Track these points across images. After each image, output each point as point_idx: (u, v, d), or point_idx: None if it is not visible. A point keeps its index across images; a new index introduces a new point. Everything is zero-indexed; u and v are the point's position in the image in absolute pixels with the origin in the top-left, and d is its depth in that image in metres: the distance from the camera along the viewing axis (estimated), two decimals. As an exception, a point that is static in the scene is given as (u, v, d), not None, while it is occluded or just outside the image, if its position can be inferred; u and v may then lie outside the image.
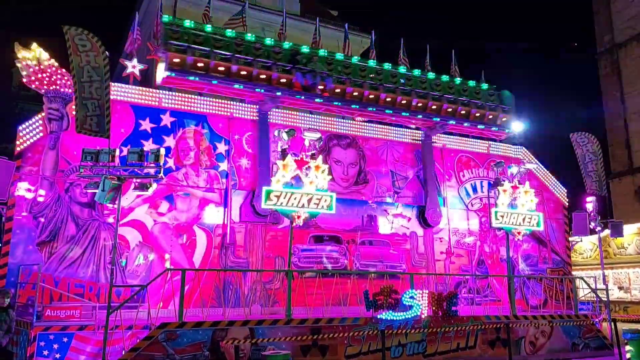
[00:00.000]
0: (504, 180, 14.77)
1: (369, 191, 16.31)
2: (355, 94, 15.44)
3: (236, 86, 13.92)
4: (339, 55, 15.64)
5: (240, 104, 14.82)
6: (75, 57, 9.57)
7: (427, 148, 16.88)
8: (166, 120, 13.84)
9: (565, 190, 18.84)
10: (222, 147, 14.41)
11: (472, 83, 17.28)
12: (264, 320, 11.12)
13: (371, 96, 15.59)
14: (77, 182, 12.26)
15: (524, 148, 18.57)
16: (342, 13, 25.10)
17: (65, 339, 10.08)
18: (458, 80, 17.04)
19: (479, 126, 17.05)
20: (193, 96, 14.24)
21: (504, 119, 17.32)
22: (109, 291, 10.02)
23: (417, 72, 16.51)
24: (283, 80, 14.47)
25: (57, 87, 12.24)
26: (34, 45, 12.25)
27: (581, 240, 24.47)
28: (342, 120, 16.55)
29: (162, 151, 10.82)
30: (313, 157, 12.71)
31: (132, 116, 13.45)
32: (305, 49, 15.09)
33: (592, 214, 16.79)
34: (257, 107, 14.70)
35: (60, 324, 10.17)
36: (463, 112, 16.73)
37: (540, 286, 17.43)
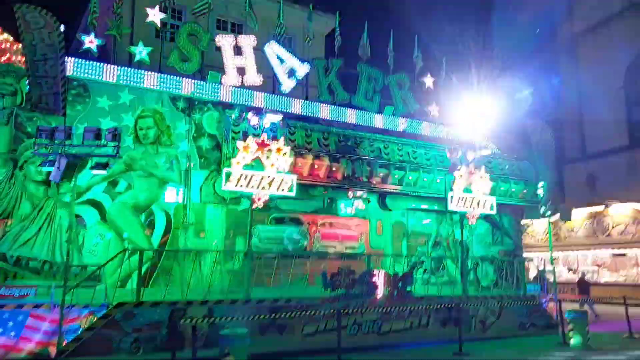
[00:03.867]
0: (460, 166, 15.36)
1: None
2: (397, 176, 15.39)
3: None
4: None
5: (202, 81, 14.77)
6: (27, 35, 9.42)
7: None
8: (125, 97, 13.76)
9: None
10: (182, 127, 14.41)
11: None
12: (222, 300, 11.41)
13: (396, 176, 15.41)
14: (31, 159, 12.09)
15: (481, 132, 19.18)
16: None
17: (20, 317, 10.11)
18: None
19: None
20: (153, 72, 14.16)
21: (524, 192, 17.30)
22: (64, 270, 10.08)
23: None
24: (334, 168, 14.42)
25: (10, 61, 11.97)
26: (-15, 17, 11.91)
27: (532, 223, 25.73)
28: (307, 102, 16.63)
29: (120, 130, 10.83)
30: (275, 139, 12.87)
31: (89, 93, 13.30)
32: None
33: (543, 199, 17.66)
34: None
35: (14, 302, 10.18)
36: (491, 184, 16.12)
37: (492, 268, 18.33)
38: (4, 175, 12.07)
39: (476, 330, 14.16)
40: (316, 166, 14.35)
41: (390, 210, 17.08)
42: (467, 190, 15.41)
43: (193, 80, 14.69)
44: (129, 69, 13.90)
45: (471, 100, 17.93)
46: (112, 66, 13.68)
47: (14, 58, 11.94)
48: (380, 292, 12.82)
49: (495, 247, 18.95)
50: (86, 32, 13.54)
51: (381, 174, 15.27)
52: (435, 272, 17.36)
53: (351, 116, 16.99)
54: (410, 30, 19.66)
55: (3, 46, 11.89)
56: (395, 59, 18.27)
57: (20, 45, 11.76)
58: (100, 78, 13.45)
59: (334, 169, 14.58)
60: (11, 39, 12.01)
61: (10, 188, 12.09)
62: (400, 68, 18.40)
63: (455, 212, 15.76)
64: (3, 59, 11.96)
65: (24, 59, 11.26)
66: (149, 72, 14.13)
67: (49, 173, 10.87)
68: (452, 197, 15.22)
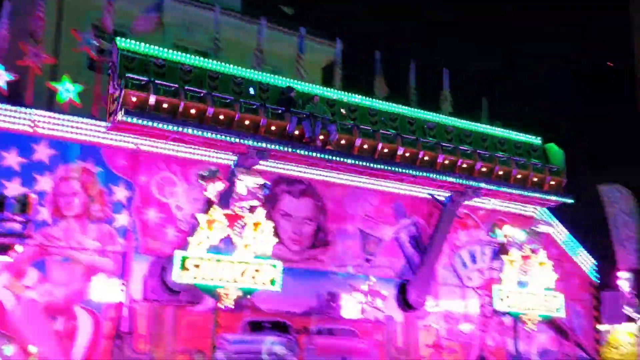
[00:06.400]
0: (511, 247, 15.25)
1: (329, 258, 16.35)
2: (365, 146, 16.13)
3: (212, 135, 14.34)
4: (344, 95, 16.57)
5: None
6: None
7: (448, 215, 17.18)
8: (42, 152, 13.74)
9: (594, 262, 19.42)
10: (121, 193, 14.34)
11: (512, 135, 18.37)
12: None
13: (385, 150, 16.30)
14: None
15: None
16: (302, 12, 25.64)
17: None
18: (493, 130, 18.06)
19: (523, 192, 17.73)
20: (83, 120, 14.19)
21: (552, 183, 18.05)
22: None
23: (445, 119, 17.56)
24: (273, 127, 15.04)
25: None
26: None
27: (614, 329, 25.12)
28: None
29: (33, 197, 10.72)
30: (251, 210, 12.77)
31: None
32: (299, 85, 16.00)
33: (628, 295, 17.41)
34: (235, 161, 14.88)
35: None
36: (501, 172, 17.35)
37: (562, 394, 17.70)
38: None
39: None
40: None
41: (413, 309, 16.67)
42: (522, 284, 15.21)
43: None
44: (50, 113, 13.94)
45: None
46: (27, 109, 13.69)
47: None
48: None
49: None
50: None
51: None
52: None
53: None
54: (440, 62, 20.08)
55: None
56: (419, 95, 18.51)
57: None
58: (8, 125, 13.42)
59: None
60: None
61: None
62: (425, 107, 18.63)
63: (504, 314, 15.46)
64: None
65: None
66: (78, 118, 14.12)
67: None
68: (500, 291, 14.99)
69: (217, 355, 13.48)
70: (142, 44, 14.54)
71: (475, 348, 17.45)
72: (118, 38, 14.50)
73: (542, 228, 16.21)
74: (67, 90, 14.13)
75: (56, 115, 13.99)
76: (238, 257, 12.44)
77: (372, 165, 16.14)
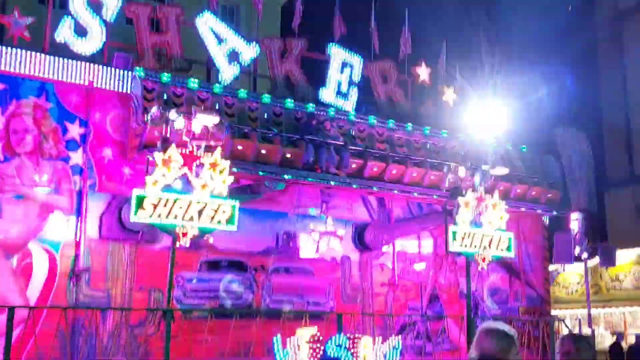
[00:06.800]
0: (466, 189, 15.53)
1: (287, 199, 16.59)
2: (375, 169, 16.50)
3: (234, 169, 14.09)
4: (353, 116, 16.97)
5: (106, 67, 14.60)
6: None
7: (440, 218, 17.32)
8: None
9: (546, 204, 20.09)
10: (75, 130, 14.19)
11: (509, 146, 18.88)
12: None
13: (394, 171, 16.70)
14: None
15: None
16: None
17: None
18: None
19: (522, 209, 18.35)
20: (35, 53, 13.93)
21: (549, 196, 18.56)
22: None
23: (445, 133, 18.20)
24: (288, 155, 15.41)
25: None
26: None
27: (564, 270, 26.16)
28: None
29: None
30: (209, 150, 12.80)
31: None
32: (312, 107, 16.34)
33: (578, 236, 18.02)
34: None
35: None
36: (502, 187, 17.68)
37: (510, 331, 18.47)
38: None
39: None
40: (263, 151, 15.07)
41: (369, 249, 17.14)
42: (476, 224, 15.58)
43: (93, 64, 14.45)
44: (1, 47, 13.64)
45: (481, 101, 18.25)
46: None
47: None
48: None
49: (515, 302, 19.13)
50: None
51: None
52: (432, 338, 17.38)
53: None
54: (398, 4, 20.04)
55: None
56: (380, 41, 18.52)
57: None
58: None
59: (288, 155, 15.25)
60: None
61: None
62: (385, 54, 18.65)
63: (458, 254, 15.91)
64: None
65: None
66: (29, 52, 13.83)
67: None
68: (454, 233, 15.35)
69: (174, 292, 13.76)
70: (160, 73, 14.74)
71: (428, 286, 18.11)
72: (137, 67, 14.66)
73: (497, 170, 16.51)
74: (16, 23, 13.86)
75: (6, 49, 13.69)
76: (195, 196, 12.54)
77: (382, 189, 16.86)
